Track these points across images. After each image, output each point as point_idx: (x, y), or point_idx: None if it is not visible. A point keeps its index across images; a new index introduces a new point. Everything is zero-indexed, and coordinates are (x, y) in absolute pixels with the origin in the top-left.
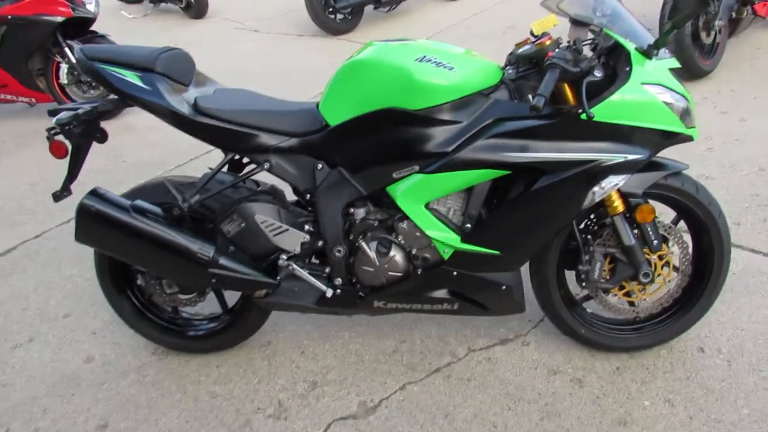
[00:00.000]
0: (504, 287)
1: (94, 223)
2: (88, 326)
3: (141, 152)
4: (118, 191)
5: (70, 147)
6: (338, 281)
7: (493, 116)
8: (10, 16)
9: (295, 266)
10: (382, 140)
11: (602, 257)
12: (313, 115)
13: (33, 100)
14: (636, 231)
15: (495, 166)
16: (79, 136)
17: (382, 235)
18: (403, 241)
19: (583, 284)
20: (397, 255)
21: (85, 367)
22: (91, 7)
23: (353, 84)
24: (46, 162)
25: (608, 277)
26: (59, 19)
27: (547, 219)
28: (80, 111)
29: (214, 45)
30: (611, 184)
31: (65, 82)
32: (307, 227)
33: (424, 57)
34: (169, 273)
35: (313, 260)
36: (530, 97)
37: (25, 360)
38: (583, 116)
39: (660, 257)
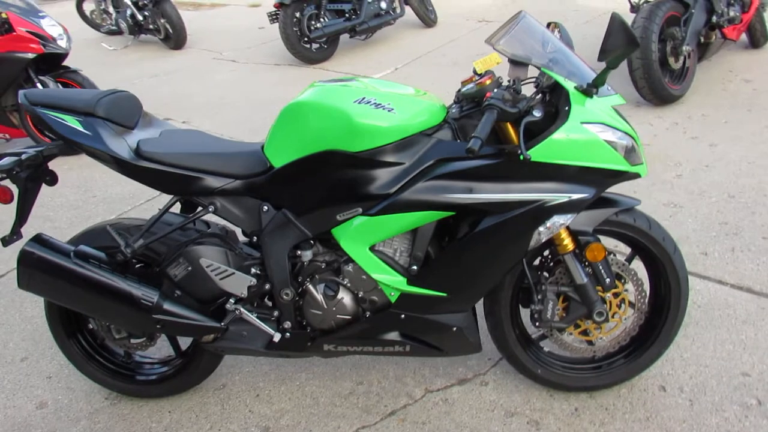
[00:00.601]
0: (455, 329)
1: (36, 270)
2: (43, 370)
3: (112, 187)
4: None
5: (16, 192)
6: (287, 324)
7: (434, 157)
8: None
9: (242, 310)
10: (324, 182)
11: (555, 296)
12: (257, 157)
13: (7, 135)
14: (588, 269)
15: (438, 208)
16: (26, 181)
17: (330, 277)
18: (349, 284)
19: (537, 324)
20: (345, 298)
21: (37, 414)
22: (62, 43)
23: (295, 126)
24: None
25: (562, 316)
26: (30, 55)
27: (492, 260)
28: (23, 156)
29: (192, 75)
30: (557, 223)
31: None
32: (253, 270)
33: (363, 99)
34: (113, 319)
35: (264, 303)
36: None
37: None
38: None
39: (615, 295)
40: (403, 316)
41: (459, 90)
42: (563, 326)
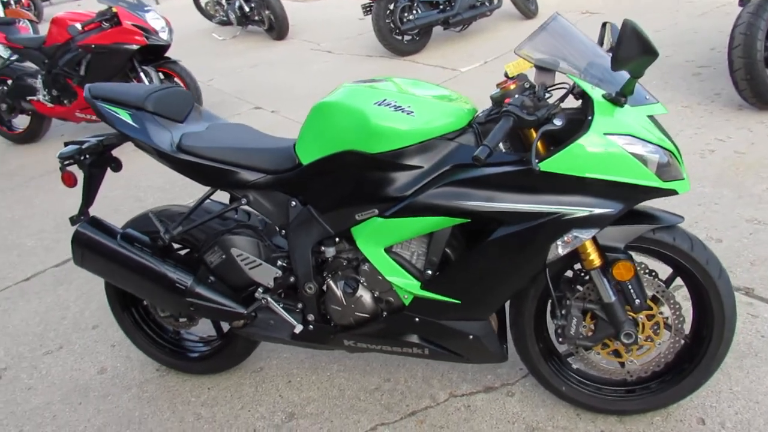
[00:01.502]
0: (471, 337)
1: (87, 249)
2: (110, 338)
3: None
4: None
5: (81, 177)
6: (310, 317)
7: (453, 162)
8: (93, 45)
9: (270, 300)
10: (344, 182)
11: (580, 313)
12: (288, 154)
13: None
14: (619, 286)
15: (452, 214)
16: (90, 167)
17: (351, 275)
18: (366, 284)
19: (560, 340)
20: (363, 296)
21: (97, 378)
22: (164, 35)
23: (321, 125)
24: (109, 179)
25: (589, 335)
26: (135, 47)
27: (506, 271)
28: (84, 146)
29: (289, 65)
30: (576, 238)
31: None
32: (279, 262)
33: (384, 100)
34: (152, 299)
35: (291, 294)
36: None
37: (51, 366)
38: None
39: (649, 317)
40: (417, 319)
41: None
42: (589, 345)
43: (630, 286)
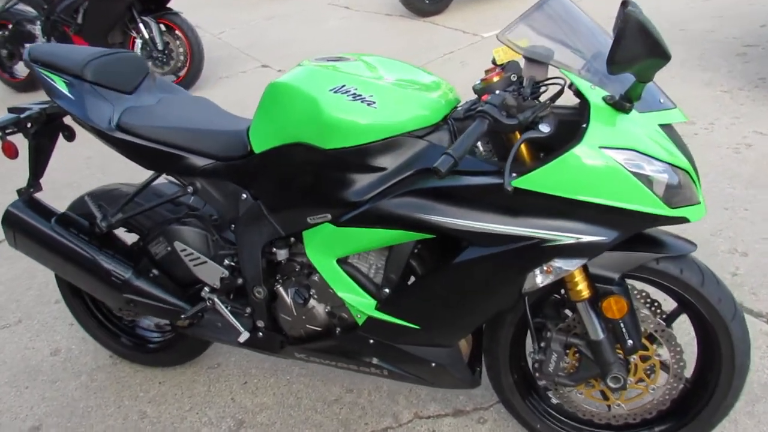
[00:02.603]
0: (433, 365)
1: (18, 231)
2: (69, 317)
3: None
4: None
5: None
6: (260, 323)
7: (421, 165)
8: None
9: (216, 301)
10: (296, 178)
11: (561, 347)
12: (241, 139)
13: None
14: (610, 323)
15: (414, 227)
16: (36, 136)
17: (304, 282)
18: (316, 296)
19: (537, 375)
20: (316, 308)
21: (48, 360)
22: None
23: (273, 110)
24: (71, 147)
25: (571, 372)
26: None
27: (474, 299)
28: (23, 114)
29: (305, 20)
30: (560, 268)
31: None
32: (227, 262)
33: (342, 87)
34: (89, 290)
35: (240, 296)
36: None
37: (6, 342)
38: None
39: (643, 358)
40: (371, 341)
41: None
42: (569, 384)
43: (622, 325)
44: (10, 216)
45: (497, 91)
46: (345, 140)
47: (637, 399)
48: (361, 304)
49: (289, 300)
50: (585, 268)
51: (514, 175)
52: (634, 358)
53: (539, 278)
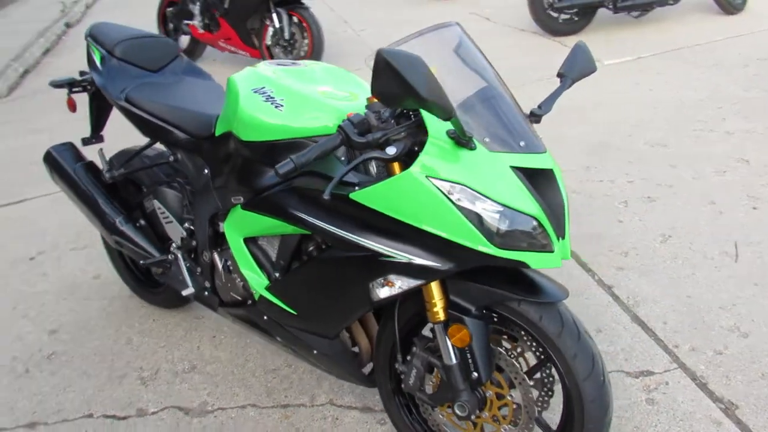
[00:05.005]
0: (315, 352)
1: (52, 169)
2: None
3: None
4: None
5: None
6: (207, 284)
7: (315, 167)
8: None
9: (179, 255)
10: (227, 162)
11: (422, 365)
12: (211, 122)
13: (247, 54)
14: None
15: (287, 220)
16: (94, 96)
17: (231, 254)
18: (231, 268)
19: (402, 386)
20: (237, 278)
21: (89, 282)
22: None
23: (226, 101)
24: None
25: (432, 391)
26: None
27: (330, 295)
28: (75, 80)
29: None
30: (397, 284)
31: (269, 43)
32: (187, 225)
33: (262, 88)
34: (95, 227)
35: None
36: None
37: (69, 260)
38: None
39: (498, 396)
40: (266, 318)
41: None
42: (428, 403)
43: (469, 355)
44: (48, 156)
45: (367, 111)
46: (257, 135)
47: None
48: (256, 282)
49: (220, 267)
50: (446, 292)
51: (356, 188)
52: (489, 393)
53: (381, 290)
